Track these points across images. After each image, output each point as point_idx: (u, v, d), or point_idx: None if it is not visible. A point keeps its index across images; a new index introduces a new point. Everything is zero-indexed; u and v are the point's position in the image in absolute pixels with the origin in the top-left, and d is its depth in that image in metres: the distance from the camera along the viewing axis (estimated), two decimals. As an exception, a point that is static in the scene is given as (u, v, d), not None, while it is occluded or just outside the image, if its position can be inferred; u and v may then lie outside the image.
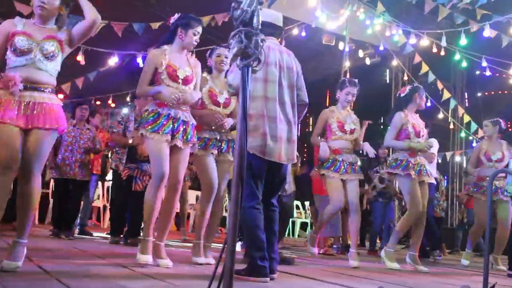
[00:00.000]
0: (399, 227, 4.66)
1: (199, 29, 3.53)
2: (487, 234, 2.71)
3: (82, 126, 5.83)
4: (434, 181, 5.91)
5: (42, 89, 2.83)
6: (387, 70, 11.75)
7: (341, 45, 9.24)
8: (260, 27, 3.26)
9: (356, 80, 4.76)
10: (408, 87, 4.77)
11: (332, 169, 4.49)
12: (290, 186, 4.23)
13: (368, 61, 10.56)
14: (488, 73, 8.71)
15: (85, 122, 5.89)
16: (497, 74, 9.68)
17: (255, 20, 1.99)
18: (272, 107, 3.10)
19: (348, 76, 10.68)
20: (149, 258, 3.31)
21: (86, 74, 8.01)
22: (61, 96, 8.16)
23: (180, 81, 3.46)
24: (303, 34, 8.37)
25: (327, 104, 12.03)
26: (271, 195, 3.19)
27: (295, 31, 8.61)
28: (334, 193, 4.48)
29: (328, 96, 13.72)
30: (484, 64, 8.57)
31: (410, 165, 4.53)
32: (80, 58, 6.78)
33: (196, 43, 3.55)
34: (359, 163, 4.70)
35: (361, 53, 10.50)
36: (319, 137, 4.70)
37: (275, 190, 3.21)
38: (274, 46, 3.21)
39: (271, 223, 3.10)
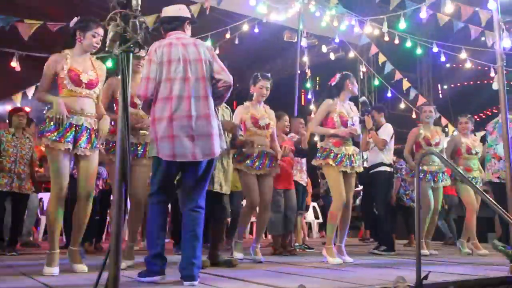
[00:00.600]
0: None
1: (99, 30, 3.43)
2: (417, 220, 2.58)
3: (20, 135, 5.55)
4: (364, 170, 5.72)
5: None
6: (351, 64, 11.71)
7: (303, 42, 9.12)
8: (160, 24, 3.26)
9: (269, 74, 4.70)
10: (338, 75, 4.65)
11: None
12: (227, 183, 4.05)
13: (332, 56, 10.53)
14: (443, 58, 8.70)
15: (22, 130, 5.60)
16: (460, 66, 9.77)
17: (134, 2, 1.81)
18: (179, 106, 2.95)
19: (309, 72, 10.73)
20: (54, 270, 3.22)
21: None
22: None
23: (83, 85, 3.38)
24: (256, 30, 8.21)
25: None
26: (193, 196, 3.01)
27: (254, 29, 8.47)
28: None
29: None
30: (435, 49, 8.57)
31: (332, 154, 4.41)
32: (14, 64, 6.46)
33: (97, 45, 3.44)
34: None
35: (324, 49, 10.44)
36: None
37: (195, 189, 3.05)
38: (176, 42, 3.07)
39: (193, 225, 2.93)
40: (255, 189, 4.40)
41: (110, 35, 1.79)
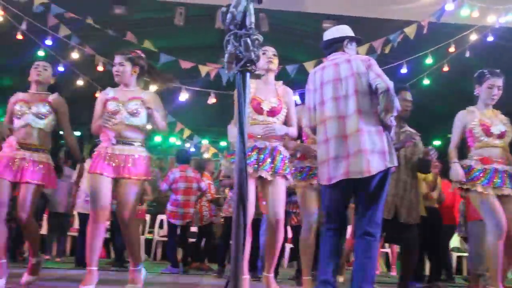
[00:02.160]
0: None
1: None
2: None
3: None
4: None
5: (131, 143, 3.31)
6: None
7: None
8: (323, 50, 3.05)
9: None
10: None
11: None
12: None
13: None
14: None
15: None
16: None
17: (247, 21, 1.77)
18: (331, 127, 2.84)
19: None
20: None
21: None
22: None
23: None
24: (490, 38, 7.18)
25: None
26: (362, 221, 2.75)
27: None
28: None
29: None
30: None
31: None
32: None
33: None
34: None
35: None
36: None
37: (363, 214, 2.79)
38: (329, 63, 3.00)
39: (359, 254, 2.68)
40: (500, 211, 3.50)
41: (226, 57, 1.78)
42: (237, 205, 1.68)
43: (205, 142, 9.80)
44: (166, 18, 6.87)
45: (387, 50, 6.30)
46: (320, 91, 2.94)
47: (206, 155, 9.28)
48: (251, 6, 1.78)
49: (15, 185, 3.58)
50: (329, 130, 2.83)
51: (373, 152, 2.73)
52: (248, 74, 1.77)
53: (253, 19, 1.77)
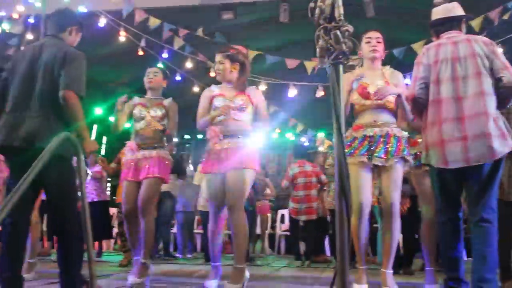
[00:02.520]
0: None
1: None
2: None
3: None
4: None
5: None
6: None
7: None
8: (431, 27, 2.92)
9: None
10: None
11: None
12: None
13: None
14: None
15: None
16: None
17: (336, 13, 1.76)
18: (449, 108, 2.68)
19: None
20: None
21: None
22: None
23: None
24: None
25: None
26: (476, 208, 2.61)
27: None
28: None
29: None
30: None
31: None
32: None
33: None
34: None
35: None
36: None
37: (477, 200, 2.64)
38: (445, 41, 2.85)
39: (478, 243, 2.50)
40: None
41: (317, 52, 1.79)
42: (339, 197, 1.69)
43: (320, 135, 9.79)
44: (271, 18, 7.00)
45: (506, 16, 5.76)
46: (434, 68, 2.79)
47: (321, 148, 9.29)
48: (339, -2, 1.77)
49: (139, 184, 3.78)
50: (444, 111, 2.69)
51: (496, 135, 2.58)
52: (341, 67, 1.77)
53: (341, 11, 1.76)
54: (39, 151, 1.92)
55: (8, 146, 2.69)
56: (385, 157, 3.20)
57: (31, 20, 6.60)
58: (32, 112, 2.70)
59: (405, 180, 3.68)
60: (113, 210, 7.74)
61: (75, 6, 6.58)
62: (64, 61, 2.72)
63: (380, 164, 3.23)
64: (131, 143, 3.81)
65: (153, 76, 4.01)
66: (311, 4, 1.82)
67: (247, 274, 3.38)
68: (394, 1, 7.05)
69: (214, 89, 3.61)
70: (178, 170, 6.82)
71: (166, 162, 3.82)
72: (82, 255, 2.77)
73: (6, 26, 6.81)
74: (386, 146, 3.22)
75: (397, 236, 3.29)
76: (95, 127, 10.28)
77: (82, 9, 6.62)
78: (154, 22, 6.41)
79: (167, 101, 4.00)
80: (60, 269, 2.67)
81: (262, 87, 7.04)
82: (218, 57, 3.58)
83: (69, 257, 2.68)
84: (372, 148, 3.23)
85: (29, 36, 6.59)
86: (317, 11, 1.79)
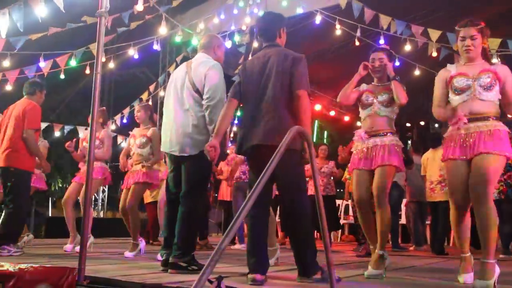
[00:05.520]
0: None
1: None
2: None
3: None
4: None
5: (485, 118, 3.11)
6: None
7: None
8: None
9: None
10: None
11: None
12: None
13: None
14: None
15: None
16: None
17: None
18: None
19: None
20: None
21: None
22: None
23: None
24: None
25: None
26: None
27: None
28: None
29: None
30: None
31: None
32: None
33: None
34: None
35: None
36: None
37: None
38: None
39: None
40: None
41: None
42: None
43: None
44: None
45: None
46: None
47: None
48: None
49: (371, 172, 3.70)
50: None
51: None
52: None
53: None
54: (275, 147, 2.06)
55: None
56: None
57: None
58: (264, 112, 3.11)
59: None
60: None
61: (293, 8, 7.00)
62: (293, 64, 3.10)
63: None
64: (359, 132, 3.83)
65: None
66: None
67: (497, 269, 3.07)
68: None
69: (451, 69, 3.31)
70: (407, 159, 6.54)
71: (398, 150, 3.67)
72: (313, 244, 3.12)
73: (236, 38, 7.63)
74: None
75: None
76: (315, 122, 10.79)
77: (299, 10, 6.99)
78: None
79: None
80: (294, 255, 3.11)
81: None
82: (469, 31, 3.19)
83: (300, 244, 3.07)
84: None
85: (255, 44, 7.22)
86: None
